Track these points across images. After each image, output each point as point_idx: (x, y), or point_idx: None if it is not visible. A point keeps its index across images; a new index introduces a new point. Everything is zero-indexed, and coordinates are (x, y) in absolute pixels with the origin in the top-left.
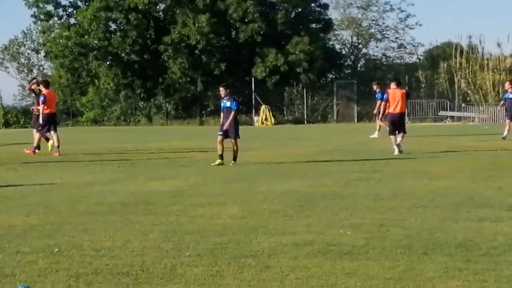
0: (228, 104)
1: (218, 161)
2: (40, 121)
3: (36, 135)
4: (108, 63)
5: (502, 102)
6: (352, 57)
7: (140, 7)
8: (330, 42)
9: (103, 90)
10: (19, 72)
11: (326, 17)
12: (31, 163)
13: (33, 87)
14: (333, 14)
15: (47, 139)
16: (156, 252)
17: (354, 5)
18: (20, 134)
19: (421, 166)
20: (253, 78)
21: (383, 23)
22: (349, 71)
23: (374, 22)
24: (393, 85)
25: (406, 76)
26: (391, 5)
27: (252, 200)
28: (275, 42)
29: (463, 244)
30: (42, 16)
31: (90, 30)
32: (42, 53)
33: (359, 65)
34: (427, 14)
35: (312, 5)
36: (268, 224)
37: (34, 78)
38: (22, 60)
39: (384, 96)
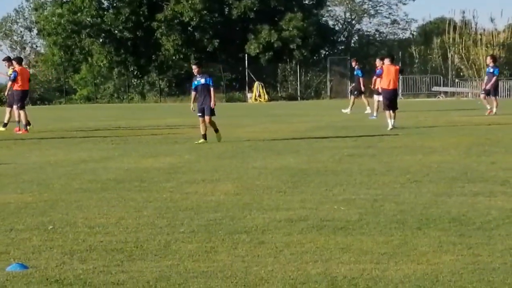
0: (203, 81)
1: (201, 140)
2: (14, 98)
3: (19, 113)
4: (101, 40)
5: (486, 77)
6: (346, 33)
7: None
8: (323, 18)
9: (96, 68)
10: (12, 50)
11: None
12: (25, 140)
13: (6, 65)
14: None
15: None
16: (150, 229)
17: None
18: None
19: (415, 141)
20: (246, 55)
21: None
22: (343, 47)
23: None
24: (387, 61)
25: (400, 52)
26: None
27: (246, 177)
28: (268, 18)
29: (456, 219)
30: None
31: (82, 7)
32: (35, 31)
33: (352, 41)
34: None
35: None
36: (262, 200)
37: (8, 58)
38: (15, 37)
39: (378, 72)
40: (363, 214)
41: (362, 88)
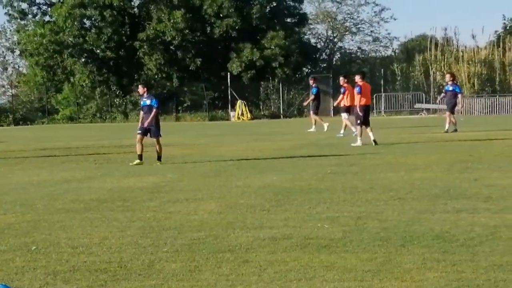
0: (148, 102)
1: (137, 161)
2: None
3: None
4: (83, 60)
5: (442, 94)
6: (328, 51)
7: (115, 4)
8: (306, 36)
9: (78, 87)
10: None
11: (301, 11)
12: (7, 160)
13: None
14: (308, 8)
15: None
16: (133, 249)
17: None
18: None
19: (397, 158)
20: (228, 73)
21: (358, 16)
22: (325, 65)
23: (349, 15)
24: (358, 78)
25: (382, 69)
26: None
27: (229, 195)
28: (250, 37)
29: (440, 236)
30: (16, 15)
31: (65, 27)
32: (17, 52)
33: (334, 59)
34: (402, 8)
35: None
36: (245, 219)
37: None
38: None
39: (357, 89)
40: (346, 231)
41: (306, 103)
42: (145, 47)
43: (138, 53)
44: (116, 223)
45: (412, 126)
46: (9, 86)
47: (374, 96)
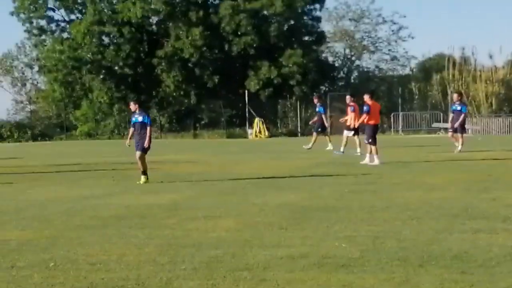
0: (141, 118)
1: (143, 177)
2: None
3: None
4: (101, 76)
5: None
6: (345, 69)
7: (133, 21)
8: (323, 55)
9: (96, 104)
10: (13, 86)
11: (318, 29)
12: (26, 176)
13: None
14: (326, 26)
15: None
16: (151, 266)
17: (347, 17)
18: (15, 148)
19: (415, 177)
20: (246, 91)
21: (376, 35)
22: (343, 83)
23: (366, 34)
24: (367, 97)
25: (399, 88)
26: (383, 18)
27: (247, 213)
28: (268, 54)
29: (458, 256)
30: (35, 31)
31: (83, 44)
32: (36, 68)
33: (352, 77)
34: (420, 26)
35: (305, 18)
36: (263, 237)
37: None
38: (16, 74)
39: (365, 108)
40: (364, 251)
41: (326, 125)
42: (163, 64)
43: (156, 70)
44: (134, 240)
45: (430, 145)
46: (27, 102)
47: (392, 114)
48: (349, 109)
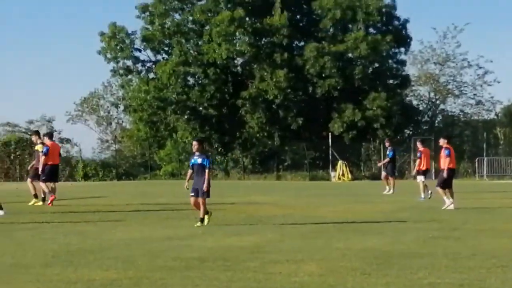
0: (200, 160)
1: (199, 223)
2: (40, 171)
3: (41, 185)
4: (186, 117)
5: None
6: (430, 113)
7: (218, 62)
8: (408, 98)
9: (181, 144)
10: (98, 125)
11: (403, 73)
12: (109, 215)
13: (33, 139)
14: (410, 70)
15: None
16: None
17: (432, 61)
18: (99, 187)
19: (500, 224)
20: (330, 133)
21: (461, 79)
22: (427, 127)
23: (451, 78)
24: (445, 141)
25: (484, 133)
26: (468, 62)
27: (330, 257)
28: (352, 97)
29: None
30: (121, 71)
31: (168, 84)
32: (121, 107)
33: (436, 121)
34: (505, 70)
35: (390, 61)
36: (346, 282)
37: (36, 132)
38: (102, 113)
39: (447, 152)
40: None
41: (391, 169)
42: (247, 105)
43: (240, 111)
44: (216, 282)
45: None
46: (112, 141)
47: (477, 159)
48: (418, 155)
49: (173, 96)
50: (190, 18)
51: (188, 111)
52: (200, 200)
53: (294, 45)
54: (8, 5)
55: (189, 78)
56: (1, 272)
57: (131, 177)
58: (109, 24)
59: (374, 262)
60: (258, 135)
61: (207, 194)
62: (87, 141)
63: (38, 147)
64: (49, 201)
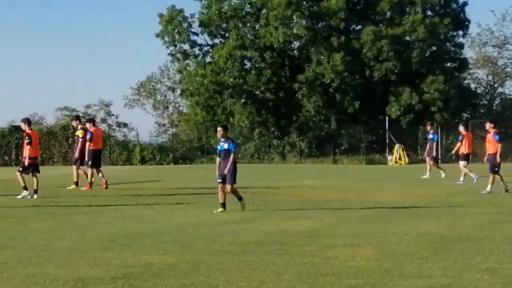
0: (226, 146)
1: (220, 209)
2: (86, 157)
3: (87, 171)
4: (243, 101)
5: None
6: (488, 96)
7: (275, 46)
8: (465, 81)
9: (237, 128)
10: (155, 109)
11: (461, 56)
12: (166, 199)
13: (74, 124)
14: (468, 53)
15: (86, 175)
16: None
17: (490, 43)
18: (156, 171)
19: None
20: (387, 117)
21: None
22: (484, 110)
23: (510, 61)
24: (492, 125)
25: None
26: None
27: (386, 242)
28: (409, 81)
29: None
30: (178, 55)
31: (225, 68)
32: (178, 91)
33: (494, 105)
34: None
35: (447, 44)
36: (403, 267)
37: (77, 117)
38: (158, 97)
39: (497, 137)
40: (507, 284)
41: (434, 153)
42: (304, 89)
43: (297, 95)
44: (273, 267)
45: None
46: (169, 125)
47: None
48: (459, 138)
49: (230, 80)
50: (247, 1)
51: (244, 95)
52: (227, 187)
53: (351, 28)
54: None
55: (245, 62)
56: (60, 256)
57: (188, 161)
58: (167, 7)
59: (431, 246)
60: (314, 118)
61: (233, 179)
62: (144, 125)
63: (79, 133)
64: (103, 185)
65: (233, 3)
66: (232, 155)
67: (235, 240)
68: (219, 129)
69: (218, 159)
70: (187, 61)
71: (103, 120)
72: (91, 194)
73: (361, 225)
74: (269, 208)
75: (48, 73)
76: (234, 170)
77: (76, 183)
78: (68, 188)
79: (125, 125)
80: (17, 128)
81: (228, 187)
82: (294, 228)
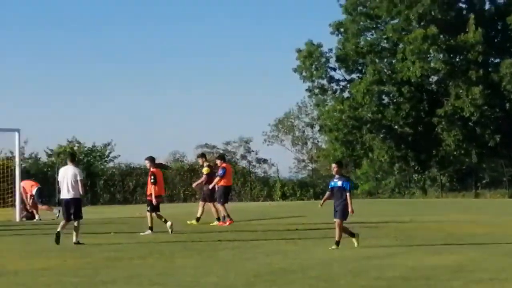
0: (340, 183)
1: (334, 246)
2: (217, 193)
3: (218, 207)
4: (381, 135)
5: None
6: None
7: (412, 80)
8: None
9: (377, 163)
10: (294, 145)
11: None
12: (308, 233)
13: (200, 161)
14: None
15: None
16: None
17: None
18: (297, 206)
19: None
20: None
21: None
22: None
23: None
24: None
25: None
26: None
27: None
28: None
29: None
30: (316, 91)
31: (363, 103)
32: (316, 127)
33: None
34: None
35: None
36: None
37: (202, 154)
38: (297, 133)
39: None
40: None
41: None
42: (443, 123)
43: (436, 129)
44: None
45: None
46: (309, 161)
47: None
48: None
49: (368, 115)
50: (383, 36)
51: (383, 130)
52: (336, 221)
53: (489, 61)
54: (198, 25)
55: (383, 96)
56: None
57: None
58: (306, 42)
59: None
60: (455, 152)
61: (342, 215)
62: (283, 161)
63: (205, 170)
64: (227, 223)
65: (369, 38)
66: (348, 194)
67: (380, 275)
68: (333, 165)
69: (327, 193)
70: (324, 96)
71: (243, 157)
72: (234, 229)
73: (507, 260)
74: (413, 243)
75: (189, 111)
76: (345, 207)
77: (218, 219)
78: (211, 224)
79: (265, 161)
80: (158, 166)
81: (338, 221)
82: (439, 263)
